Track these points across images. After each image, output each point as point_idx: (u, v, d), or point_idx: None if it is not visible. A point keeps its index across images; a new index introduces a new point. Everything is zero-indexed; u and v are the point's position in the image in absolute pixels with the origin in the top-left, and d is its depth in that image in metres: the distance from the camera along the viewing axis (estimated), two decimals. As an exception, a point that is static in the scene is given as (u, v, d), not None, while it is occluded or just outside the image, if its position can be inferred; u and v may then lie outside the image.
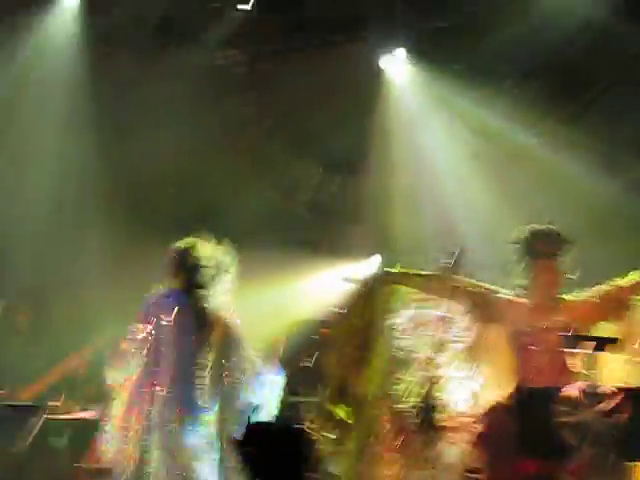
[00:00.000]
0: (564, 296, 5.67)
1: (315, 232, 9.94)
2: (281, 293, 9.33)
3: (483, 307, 5.77)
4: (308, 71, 9.40)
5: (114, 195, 9.37)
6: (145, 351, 5.53)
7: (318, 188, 10.30)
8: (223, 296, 5.79)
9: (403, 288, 5.94)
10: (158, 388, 5.49)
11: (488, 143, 9.20)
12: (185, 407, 5.37)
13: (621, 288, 5.58)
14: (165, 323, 5.66)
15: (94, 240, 9.05)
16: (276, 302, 9.18)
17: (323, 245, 9.70)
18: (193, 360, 5.56)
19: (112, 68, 9.23)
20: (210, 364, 5.54)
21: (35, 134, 9.28)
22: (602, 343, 5.38)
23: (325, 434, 6.07)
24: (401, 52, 9.19)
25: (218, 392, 5.45)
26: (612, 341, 5.38)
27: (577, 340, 5.47)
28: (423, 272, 5.90)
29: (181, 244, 5.80)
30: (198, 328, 5.92)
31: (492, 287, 5.80)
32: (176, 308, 5.90)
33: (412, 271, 5.97)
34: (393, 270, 6.00)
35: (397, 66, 9.35)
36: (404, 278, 5.96)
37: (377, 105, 9.50)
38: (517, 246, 5.66)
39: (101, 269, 8.62)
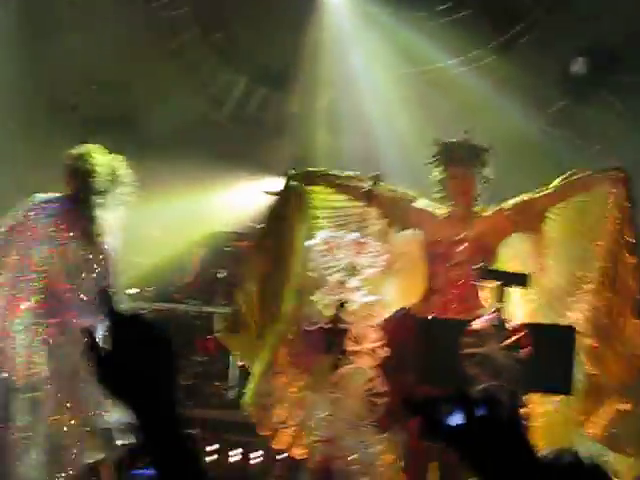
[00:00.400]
0: (478, 209, 5.79)
1: (237, 144, 9.62)
2: (199, 204, 9.23)
3: (399, 212, 5.90)
4: None
5: (34, 97, 9.10)
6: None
7: (242, 100, 10.05)
8: (117, 206, 5.87)
9: (317, 191, 6.01)
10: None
11: (415, 67, 9.22)
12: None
13: (534, 199, 5.72)
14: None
15: (10, 145, 8.79)
16: (193, 213, 9.11)
17: (245, 158, 9.33)
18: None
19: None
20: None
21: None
22: (512, 278, 5.40)
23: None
24: None
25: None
26: (522, 277, 5.42)
27: (491, 273, 5.46)
28: (344, 173, 5.99)
29: (75, 151, 5.88)
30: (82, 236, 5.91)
31: (410, 195, 5.88)
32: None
33: (326, 172, 6.02)
34: (313, 169, 6.13)
35: None
36: (323, 177, 5.99)
37: (308, 21, 9.40)
38: (434, 159, 5.74)
39: (17, 174, 8.39)
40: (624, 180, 5.65)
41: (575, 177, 5.76)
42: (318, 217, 6.03)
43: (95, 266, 6.06)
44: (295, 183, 6.00)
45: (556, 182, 5.75)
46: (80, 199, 6.01)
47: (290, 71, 9.67)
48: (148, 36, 9.62)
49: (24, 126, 8.89)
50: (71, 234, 6.04)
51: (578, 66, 8.82)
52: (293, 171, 6.09)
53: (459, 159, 5.78)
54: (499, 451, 1.64)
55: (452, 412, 1.64)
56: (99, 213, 5.99)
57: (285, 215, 6.04)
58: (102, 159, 5.87)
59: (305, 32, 9.41)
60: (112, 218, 6.06)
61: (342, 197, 5.99)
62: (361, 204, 5.82)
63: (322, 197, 6.03)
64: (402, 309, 5.86)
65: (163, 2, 9.77)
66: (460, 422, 1.63)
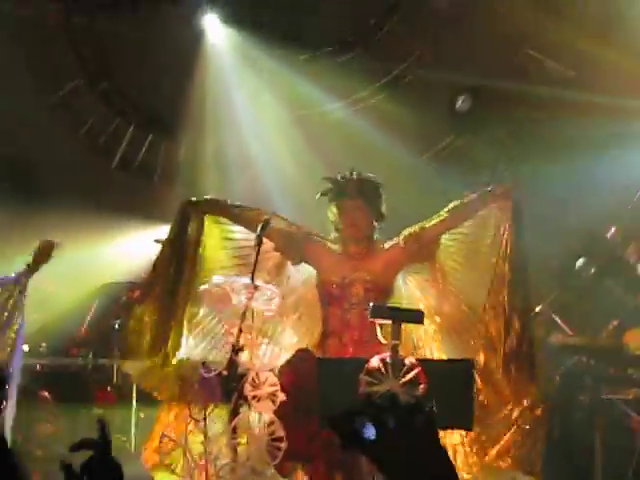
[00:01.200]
0: (377, 241, 5.73)
1: (127, 193, 9.68)
2: (91, 255, 9.03)
3: (295, 245, 5.79)
4: (128, 27, 9.38)
5: None
6: None
7: (131, 148, 9.97)
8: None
9: (211, 223, 5.89)
10: None
11: (301, 109, 9.28)
12: None
13: (425, 228, 5.66)
14: None
15: None
16: (86, 264, 8.89)
17: (135, 207, 9.31)
18: None
19: None
20: None
21: None
22: (405, 315, 5.28)
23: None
24: (214, 16, 9.21)
25: None
26: (415, 313, 5.32)
27: (383, 312, 5.31)
28: (237, 203, 5.85)
29: None
30: None
31: (303, 229, 5.81)
32: None
33: (224, 201, 5.90)
34: (203, 198, 5.94)
35: (216, 28, 9.35)
36: (216, 206, 5.88)
37: (193, 66, 9.38)
38: (324, 194, 5.68)
39: None
40: (508, 195, 5.62)
41: (463, 201, 5.75)
42: (215, 250, 5.91)
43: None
44: (191, 207, 5.82)
45: (445, 210, 5.74)
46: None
47: (177, 117, 9.56)
48: (33, 85, 9.51)
49: None
50: None
51: (463, 103, 8.93)
52: (193, 198, 5.94)
53: (349, 192, 5.69)
54: (411, 457, 1.69)
55: (365, 424, 1.70)
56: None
57: (182, 245, 5.84)
58: None
59: (190, 78, 9.34)
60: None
61: (238, 229, 5.87)
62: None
63: (218, 229, 5.92)
64: (300, 351, 5.74)
65: (46, 52, 9.60)
66: (373, 432, 1.69)
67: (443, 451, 1.81)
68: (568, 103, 8.66)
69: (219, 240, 5.96)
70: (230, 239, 5.98)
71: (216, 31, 9.45)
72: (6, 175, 9.40)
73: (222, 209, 5.90)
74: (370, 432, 1.74)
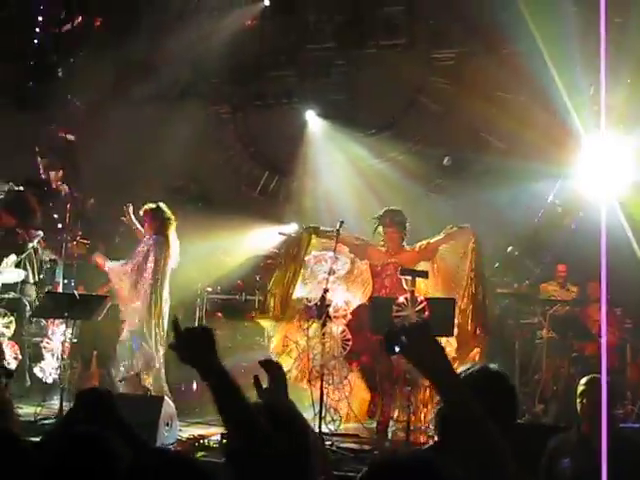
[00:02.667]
0: (403, 246, 7.24)
1: (263, 208, 11.58)
2: (242, 241, 10.73)
3: (360, 249, 7.37)
4: (264, 118, 11.94)
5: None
6: None
7: (265, 183, 12.34)
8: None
9: (314, 238, 7.43)
10: None
11: (356, 165, 11.20)
12: None
13: (429, 243, 7.29)
14: None
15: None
16: (239, 246, 10.68)
17: (268, 215, 11.02)
18: None
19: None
20: None
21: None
22: (418, 273, 6.89)
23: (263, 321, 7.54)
24: (312, 112, 11.50)
25: None
26: (423, 273, 6.98)
27: (407, 272, 6.86)
28: (328, 229, 7.39)
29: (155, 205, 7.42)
30: None
31: (364, 239, 7.36)
32: None
33: (323, 228, 7.50)
34: (313, 225, 7.59)
35: (312, 118, 11.64)
36: (317, 230, 7.51)
37: (302, 139, 11.59)
38: (376, 220, 7.33)
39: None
40: (474, 232, 7.20)
41: (450, 230, 7.31)
42: (313, 249, 7.43)
43: None
44: (304, 231, 7.60)
45: (441, 233, 7.33)
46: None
47: (292, 167, 11.71)
48: (210, 149, 11.99)
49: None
50: None
51: (448, 161, 10.95)
52: (305, 225, 7.74)
53: (387, 222, 7.26)
54: (430, 354, 2.22)
55: (399, 338, 2.25)
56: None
57: (297, 246, 7.53)
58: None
59: (300, 145, 11.48)
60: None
61: (326, 240, 7.39)
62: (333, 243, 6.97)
63: (315, 240, 7.49)
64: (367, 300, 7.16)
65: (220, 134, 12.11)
66: (403, 343, 2.23)
67: (439, 343, 2.24)
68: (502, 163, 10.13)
69: (313, 243, 7.47)
70: (318, 243, 7.44)
71: (312, 119, 11.60)
72: (198, 197, 11.84)
73: (318, 230, 7.55)
74: (399, 343, 2.25)
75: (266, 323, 7.57)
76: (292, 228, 9.90)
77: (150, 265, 7.44)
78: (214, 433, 6.39)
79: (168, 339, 6.99)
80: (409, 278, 6.61)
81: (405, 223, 7.20)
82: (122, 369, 7.29)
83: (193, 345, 2.26)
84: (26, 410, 6.77)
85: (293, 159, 11.45)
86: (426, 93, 11.14)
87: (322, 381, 6.52)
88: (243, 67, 11.59)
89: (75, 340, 8.01)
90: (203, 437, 6.44)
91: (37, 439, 2.84)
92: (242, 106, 12.14)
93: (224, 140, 12.38)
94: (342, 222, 7.00)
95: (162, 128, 11.28)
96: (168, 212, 7.56)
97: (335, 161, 11.13)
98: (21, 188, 9.73)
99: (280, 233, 9.48)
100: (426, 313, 6.36)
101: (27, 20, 12.04)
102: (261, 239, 10.81)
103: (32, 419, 6.66)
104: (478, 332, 6.91)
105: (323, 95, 11.58)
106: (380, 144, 11.28)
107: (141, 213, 7.57)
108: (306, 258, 7.23)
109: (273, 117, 11.81)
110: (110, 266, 7.60)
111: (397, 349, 2.28)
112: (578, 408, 4.46)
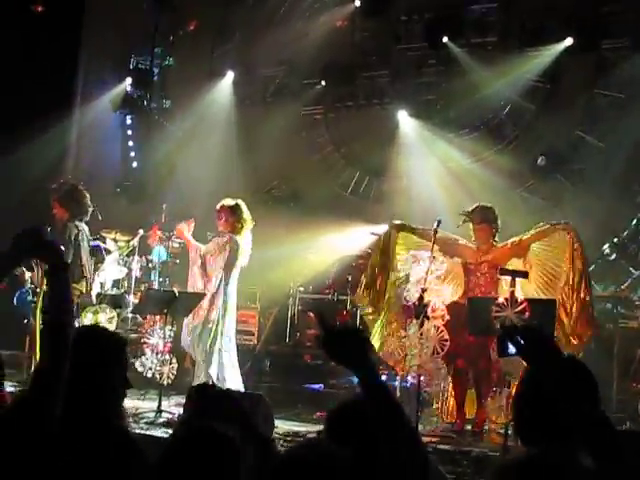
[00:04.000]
0: (494, 243, 7.09)
1: (354, 207, 11.70)
2: (333, 240, 10.88)
3: (451, 247, 7.26)
4: (359, 119, 11.99)
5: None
6: None
7: (356, 183, 12.23)
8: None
9: (408, 237, 7.38)
10: None
11: (447, 164, 11.04)
12: None
13: (521, 239, 7.07)
14: None
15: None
16: (331, 245, 10.86)
17: (360, 215, 11.17)
18: None
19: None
20: None
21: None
22: (518, 274, 6.61)
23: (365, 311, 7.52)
24: (404, 112, 11.43)
25: None
26: (524, 273, 6.69)
27: (506, 272, 6.68)
28: (420, 227, 7.46)
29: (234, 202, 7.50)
30: None
31: (455, 237, 7.27)
32: None
33: (413, 226, 7.54)
34: (397, 221, 7.63)
35: (404, 118, 11.52)
36: (408, 228, 7.51)
37: (393, 136, 11.51)
38: (465, 216, 7.19)
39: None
40: (573, 229, 6.88)
41: (542, 226, 7.10)
42: (403, 247, 7.43)
43: None
44: (392, 228, 7.56)
45: (532, 230, 7.10)
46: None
47: (383, 166, 11.63)
48: (305, 150, 12.32)
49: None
50: None
51: (541, 161, 10.50)
52: (395, 221, 7.68)
53: (480, 217, 7.14)
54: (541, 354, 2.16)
55: (512, 339, 2.19)
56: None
57: (386, 243, 7.50)
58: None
59: (391, 144, 11.41)
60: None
61: (417, 238, 7.43)
62: (428, 242, 7.01)
63: (404, 235, 7.49)
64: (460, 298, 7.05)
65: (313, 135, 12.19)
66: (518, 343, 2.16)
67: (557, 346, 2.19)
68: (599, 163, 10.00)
69: (403, 240, 7.51)
70: (411, 241, 7.47)
71: (404, 120, 11.46)
72: (290, 197, 12.00)
73: (406, 228, 7.57)
74: (512, 348, 2.19)
75: (366, 305, 7.61)
76: (383, 229, 9.37)
77: (220, 263, 7.59)
78: (309, 431, 6.52)
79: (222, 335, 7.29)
80: (508, 278, 6.45)
81: (496, 220, 7.08)
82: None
83: (345, 343, 2.21)
84: (127, 404, 6.69)
85: (385, 160, 11.46)
86: (520, 91, 10.86)
87: (419, 381, 6.53)
88: (335, 68, 11.60)
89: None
90: (298, 434, 6.48)
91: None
92: (334, 107, 12.20)
93: (316, 141, 12.46)
94: (440, 221, 6.96)
95: (255, 129, 11.65)
96: (246, 212, 7.61)
97: (427, 161, 11.06)
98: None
99: (372, 233, 9.59)
100: (526, 314, 6.17)
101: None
102: (353, 239, 10.89)
103: (134, 412, 6.84)
104: (588, 332, 6.84)
105: (415, 95, 11.54)
106: (473, 144, 11.18)
107: (217, 207, 7.60)
108: (405, 257, 7.22)
109: (365, 118, 11.83)
110: (193, 243, 7.74)
111: (512, 350, 2.22)
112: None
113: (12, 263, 2.60)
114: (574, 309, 6.68)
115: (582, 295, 6.71)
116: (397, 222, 7.57)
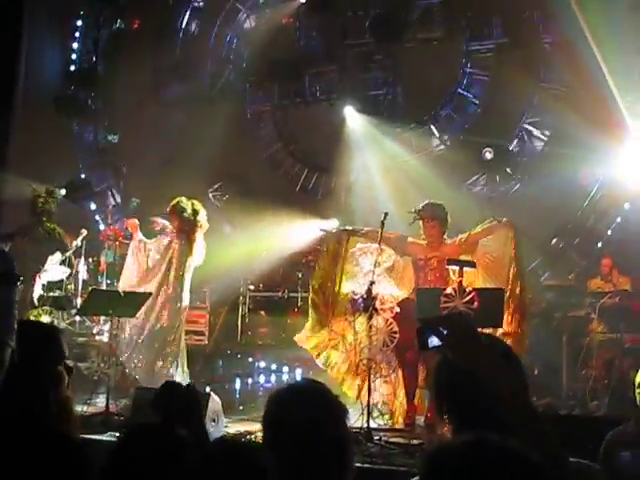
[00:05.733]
0: (443, 239, 7.05)
1: (303, 204, 11.46)
2: (283, 234, 10.77)
3: (400, 245, 7.18)
4: (303, 115, 12.03)
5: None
6: None
7: (305, 180, 12.31)
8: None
9: (352, 240, 7.34)
10: None
11: (393, 159, 11.15)
12: None
13: (470, 234, 7.07)
14: None
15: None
16: (279, 240, 10.74)
17: (307, 211, 11.05)
18: None
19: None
20: None
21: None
22: (466, 263, 6.75)
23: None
24: (351, 108, 11.48)
25: None
26: (471, 263, 6.84)
27: (454, 262, 6.77)
28: (365, 228, 7.39)
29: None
30: None
31: (404, 235, 7.20)
32: None
33: (357, 228, 7.49)
34: (348, 227, 7.61)
35: (351, 114, 11.59)
36: (358, 232, 7.45)
37: (341, 134, 11.57)
38: (415, 214, 7.07)
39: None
40: (514, 226, 6.99)
41: (489, 223, 7.13)
42: (357, 242, 7.28)
43: None
44: (343, 234, 7.49)
45: (479, 227, 7.11)
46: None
47: (332, 164, 11.66)
48: (254, 149, 12.29)
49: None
50: None
51: (488, 154, 10.65)
52: (343, 227, 7.74)
53: (430, 214, 7.07)
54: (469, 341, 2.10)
55: (434, 330, 2.15)
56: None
57: (335, 249, 7.46)
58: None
59: (339, 142, 11.44)
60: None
61: (364, 240, 7.27)
62: (374, 242, 6.92)
63: (353, 240, 7.37)
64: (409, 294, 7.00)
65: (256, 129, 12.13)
66: (437, 341, 2.12)
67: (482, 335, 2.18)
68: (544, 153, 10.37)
69: (353, 242, 7.32)
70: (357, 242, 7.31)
71: (351, 115, 11.54)
72: (238, 195, 11.74)
73: (356, 232, 7.49)
74: (434, 341, 2.13)
75: (312, 344, 7.37)
76: (332, 224, 9.83)
77: (170, 264, 7.48)
78: (260, 429, 6.09)
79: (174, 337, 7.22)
80: (456, 268, 6.47)
81: (446, 217, 7.03)
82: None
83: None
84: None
85: (333, 155, 11.41)
86: (464, 86, 11.08)
87: (369, 375, 6.39)
88: (281, 64, 11.62)
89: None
90: (250, 433, 6.17)
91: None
92: (281, 103, 12.20)
93: (264, 138, 12.47)
94: (386, 214, 6.86)
95: (202, 127, 11.36)
96: (196, 213, 7.43)
97: (374, 156, 11.10)
98: (62, 192, 9.78)
99: (321, 229, 9.35)
100: (475, 304, 6.17)
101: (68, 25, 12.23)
102: (301, 235, 10.86)
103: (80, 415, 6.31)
104: (519, 330, 6.77)
105: (362, 90, 11.56)
106: (420, 138, 11.27)
107: (168, 210, 7.47)
108: (351, 250, 7.16)
109: (313, 114, 11.85)
110: (140, 237, 7.58)
111: (434, 343, 2.13)
112: (637, 400, 4.20)
113: None
114: (511, 302, 6.76)
115: (518, 292, 6.82)
116: (347, 228, 7.51)
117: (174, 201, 7.36)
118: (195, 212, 7.35)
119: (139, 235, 7.59)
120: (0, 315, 2.32)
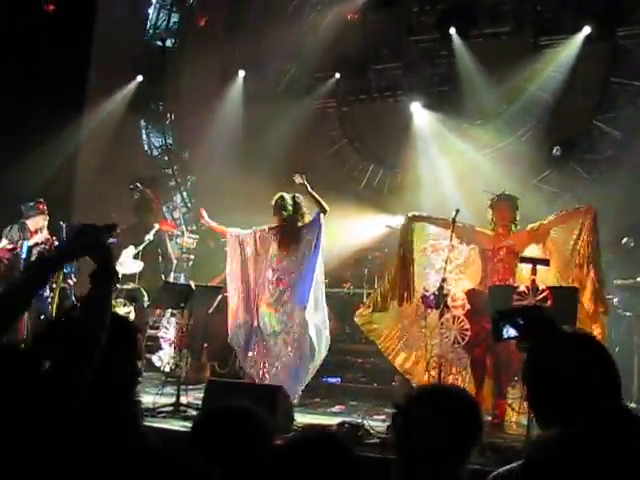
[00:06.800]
0: (512, 229, 7.02)
1: (369, 200, 11.55)
2: (348, 230, 10.52)
3: (467, 234, 7.19)
4: (371, 113, 12.01)
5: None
6: None
7: (371, 177, 12.21)
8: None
9: (425, 228, 7.26)
10: None
11: (461, 155, 11.03)
12: None
13: (541, 224, 6.99)
14: None
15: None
16: (345, 236, 10.37)
17: (374, 208, 11.09)
18: None
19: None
20: None
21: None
22: (539, 261, 6.54)
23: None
24: (417, 105, 11.47)
25: None
26: (545, 261, 6.61)
27: (527, 259, 6.59)
28: (435, 216, 7.40)
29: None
30: None
31: (471, 225, 7.23)
32: None
33: (426, 215, 7.49)
34: (417, 214, 7.50)
35: (418, 111, 11.52)
36: (424, 217, 7.44)
37: (409, 132, 11.47)
38: (488, 203, 7.10)
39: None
40: (594, 211, 6.83)
41: (564, 211, 7.14)
42: (421, 237, 7.33)
43: None
44: (408, 219, 7.46)
45: (552, 216, 7.11)
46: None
47: (397, 160, 11.64)
48: (320, 146, 12.33)
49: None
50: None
51: (556, 151, 10.60)
52: (410, 213, 7.55)
53: (504, 199, 7.13)
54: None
55: (511, 321, 2.15)
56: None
57: (404, 236, 7.43)
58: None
59: (404, 136, 11.33)
60: None
61: (433, 228, 7.31)
62: (446, 230, 6.94)
63: (420, 227, 7.38)
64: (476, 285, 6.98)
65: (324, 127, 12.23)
66: (514, 332, 2.12)
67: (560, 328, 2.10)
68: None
69: (421, 232, 7.37)
70: (427, 232, 7.38)
71: (418, 112, 11.44)
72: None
73: (421, 218, 7.49)
74: (510, 331, 2.13)
75: (375, 322, 7.47)
76: (398, 220, 9.53)
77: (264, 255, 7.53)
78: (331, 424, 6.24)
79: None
80: (529, 266, 6.30)
81: (517, 208, 7.04)
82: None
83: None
84: (145, 399, 6.65)
85: (398, 152, 11.39)
86: (533, 81, 10.78)
87: (440, 371, 6.40)
88: (347, 61, 11.61)
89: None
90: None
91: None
92: (347, 100, 12.17)
93: (329, 134, 12.46)
94: (458, 210, 6.89)
95: (268, 124, 11.42)
96: (301, 204, 7.64)
97: (441, 152, 11.01)
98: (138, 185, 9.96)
99: (387, 226, 9.57)
100: (548, 302, 6.05)
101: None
102: (368, 232, 10.90)
103: (151, 407, 6.60)
104: (599, 310, 6.66)
105: (428, 87, 11.46)
106: (487, 134, 11.05)
107: (272, 202, 7.58)
108: (422, 247, 7.17)
109: (378, 110, 11.80)
110: (214, 225, 7.67)
111: (510, 334, 2.13)
112: None
113: (66, 257, 2.39)
114: (589, 287, 6.66)
115: (596, 275, 6.69)
116: (412, 214, 7.46)
117: (276, 196, 7.52)
118: (296, 203, 7.53)
119: (211, 222, 7.69)
120: (96, 310, 2.29)
